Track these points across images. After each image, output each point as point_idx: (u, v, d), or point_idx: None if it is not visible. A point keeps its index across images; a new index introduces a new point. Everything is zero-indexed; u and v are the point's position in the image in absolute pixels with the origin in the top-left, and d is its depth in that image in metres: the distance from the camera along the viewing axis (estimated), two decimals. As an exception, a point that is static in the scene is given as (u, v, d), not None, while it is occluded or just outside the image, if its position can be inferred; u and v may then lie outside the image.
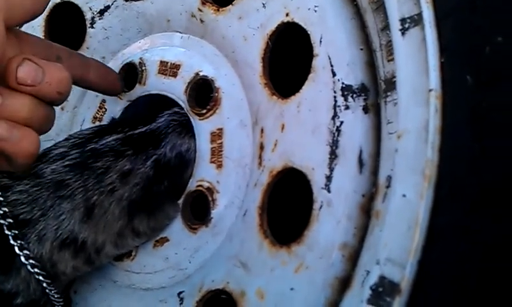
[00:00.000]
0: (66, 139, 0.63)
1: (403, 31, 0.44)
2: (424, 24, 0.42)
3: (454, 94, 0.40)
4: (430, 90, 0.41)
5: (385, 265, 0.41)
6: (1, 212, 0.57)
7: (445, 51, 0.41)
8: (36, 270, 0.58)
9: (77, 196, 0.58)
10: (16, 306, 0.59)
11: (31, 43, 0.57)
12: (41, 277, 0.59)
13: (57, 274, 0.60)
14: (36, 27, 0.79)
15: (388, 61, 0.48)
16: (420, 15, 0.43)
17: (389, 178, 0.46)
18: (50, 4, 0.79)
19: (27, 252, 0.57)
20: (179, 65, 0.67)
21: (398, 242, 0.41)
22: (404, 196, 0.42)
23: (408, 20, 0.44)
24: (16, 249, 0.57)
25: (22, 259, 0.58)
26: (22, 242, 0.57)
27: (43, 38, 0.78)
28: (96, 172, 0.59)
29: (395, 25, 0.45)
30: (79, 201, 0.58)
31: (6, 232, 0.57)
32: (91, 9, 0.75)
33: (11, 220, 0.57)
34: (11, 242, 0.57)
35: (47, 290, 0.60)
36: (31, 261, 0.58)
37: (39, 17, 0.77)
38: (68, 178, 0.59)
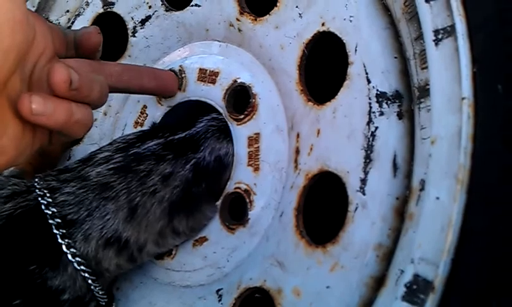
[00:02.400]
0: (110, 144, 0.66)
1: (436, 41, 0.46)
2: (457, 36, 0.44)
3: (486, 102, 0.42)
4: (463, 98, 0.43)
5: (419, 264, 0.43)
6: (50, 213, 0.60)
7: (477, 61, 0.43)
8: (82, 267, 0.61)
9: (121, 197, 0.61)
10: (63, 301, 0.61)
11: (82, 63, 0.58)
12: (86, 274, 0.62)
13: (102, 271, 0.63)
14: (80, 36, 0.83)
15: (422, 69, 0.50)
16: (453, 26, 0.45)
17: (422, 182, 0.47)
18: (94, 14, 0.83)
19: (74, 251, 0.60)
20: (218, 72, 0.69)
21: (432, 242, 0.43)
22: (437, 198, 0.44)
23: (441, 31, 0.46)
24: (64, 247, 0.60)
25: (69, 257, 0.61)
26: (69, 241, 0.60)
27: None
28: (139, 175, 0.62)
29: (429, 36, 0.47)
30: (123, 202, 0.61)
31: (54, 231, 0.60)
32: (133, 19, 0.78)
33: (59, 220, 0.60)
34: (59, 240, 0.60)
35: (92, 287, 0.63)
36: (77, 258, 0.61)
37: (83, 25, 0.82)
38: (112, 180, 0.62)
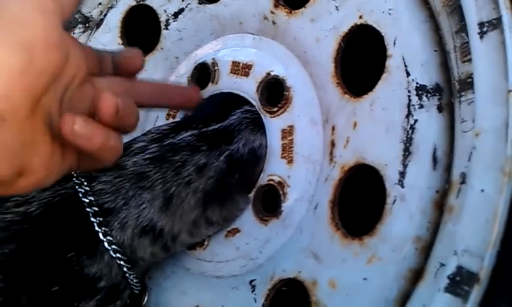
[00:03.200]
0: (144, 134, 0.67)
1: (481, 34, 0.46)
2: (504, 28, 0.44)
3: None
4: (510, 91, 0.43)
5: (463, 256, 0.43)
6: (87, 201, 0.61)
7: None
8: (118, 255, 0.62)
9: (157, 186, 0.62)
10: (99, 289, 0.62)
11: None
12: (122, 262, 0.62)
13: (137, 260, 0.64)
14: (112, 29, 0.84)
15: (463, 62, 0.50)
16: (499, 19, 0.45)
17: (463, 175, 0.48)
18: (126, 7, 0.83)
19: (110, 239, 0.61)
20: (251, 65, 0.70)
21: (476, 234, 0.43)
22: (482, 191, 0.44)
23: (487, 24, 0.46)
24: (101, 235, 0.61)
25: (106, 245, 0.61)
26: (106, 229, 0.61)
27: (120, 41, 0.82)
28: (174, 165, 0.63)
29: (474, 29, 0.47)
30: (158, 192, 0.62)
31: (92, 219, 0.61)
32: (165, 11, 0.78)
33: (96, 209, 0.61)
34: (96, 228, 0.61)
35: (127, 275, 0.64)
36: (113, 246, 0.62)
37: (115, 18, 0.83)
38: (148, 170, 0.63)
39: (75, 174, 0.63)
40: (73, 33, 0.87)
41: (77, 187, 0.62)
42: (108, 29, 0.84)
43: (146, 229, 0.62)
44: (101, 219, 0.61)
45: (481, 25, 0.46)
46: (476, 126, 0.45)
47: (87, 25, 0.87)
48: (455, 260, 0.44)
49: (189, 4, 0.77)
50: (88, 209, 0.61)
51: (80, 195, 0.61)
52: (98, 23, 0.86)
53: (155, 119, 0.78)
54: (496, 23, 0.45)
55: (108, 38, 0.84)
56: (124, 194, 0.62)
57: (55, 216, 0.61)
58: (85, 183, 0.62)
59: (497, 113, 0.44)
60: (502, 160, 0.42)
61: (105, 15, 0.85)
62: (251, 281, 0.64)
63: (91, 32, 0.86)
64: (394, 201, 0.53)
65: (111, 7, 0.85)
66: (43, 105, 0.45)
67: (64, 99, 0.48)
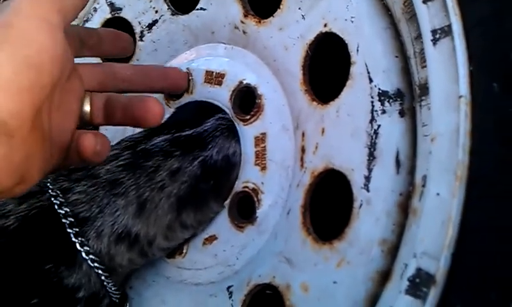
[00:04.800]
0: (118, 143, 0.68)
1: (434, 41, 0.47)
2: (453, 35, 0.45)
3: (482, 100, 0.43)
4: (460, 97, 0.44)
5: (421, 258, 0.45)
6: (63, 212, 0.62)
7: (473, 60, 0.44)
8: (95, 264, 0.63)
9: (130, 193, 0.63)
10: (78, 299, 0.63)
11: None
12: (100, 271, 0.63)
13: (115, 267, 0.65)
14: (89, 41, 0.85)
15: (422, 67, 0.51)
16: (449, 26, 0.46)
17: (425, 178, 0.49)
18: (102, 20, 0.84)
19: (87, 248, 0.62)
20: (224, 74, 0.71)
21: (433, 236, 0.44)
22: (438, 194, 0.45)
23: (439, 31, 0.47)
24: (78, 245, 0.62)
25: (83, 255, 0.62)
26: (83, 239, 0.62)
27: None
28: (147, 170, 0.64)
29: (427, 36, 0.48)
30: (132, 198, 0.63)
31: (68, 230, 0.62)
32: (140, 23, 0.80)
33: (72, 219, 0.62)
34: (73, 239, 0.62)
35: (105, 283, 0.64)
36: (91, 256, 0.62)
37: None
38: (121, 176, 0.63)
39: (50, 187, 0.63)
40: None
41: (52, 198, 0.63)
42: (85, 42, 0.85)
43: (122, 236, 0.63)
44: (77, 230, 0.62)
45: (434, 32, 0.47)
46: (432, 131, 0.46)
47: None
48: (414, 262, 0.45)
49: (162, 15, 0.78)
50: (63, 220, 0.62)
51: (56, 206, 0.62)
52: (75, 37, 0.87)
53: (133, 129, 0.78)
54: (447, 30, 0.46)
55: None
56: (99, 202, 0.63)
57: (32, 229, 0.62)
58: (60, 195, 0.63)
59: (451, 118, 0.45)
60: (455, 164, 0.43)
61: (81, 28, 0.86)
62: (228, 287, 0.65)
63: (68, 46, 0.87)
64: (361, 205, 0.54)
65: (86, 21, 0.86)
66: (42, 114, 0.47)
67: (54, 98, 0.49)
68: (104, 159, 0.57)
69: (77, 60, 0.55)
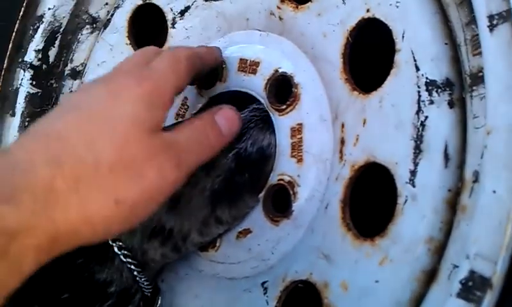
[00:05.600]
0: None
1: (491, 27, 0.44)
2: (514, 21, 0.42)
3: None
4: (522, 87, 0.41)
5: (475, 259, 0.42)
6: None
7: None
8: (128, 259, 0.61)
9: None
10: (110, 294, 0.62)
11: None
12: (132, 266, 0.62)
13: (147, 262, 0.64)
14: (119, 29, 0.83)
15: (474, 55, 0.48)
16: (508, 11, 0.43)
17: (476, 173, 0.46)
18: (133, 6, 0.82)
19: (120, 243, 0.61)
20: (258, 62, 0.68)
21: (488, 237, 0.41)
22: (494, 192, 0.42)
23: (496, 17, 0.44)
24: (110, 240, 0.61)
25: (115, 249, 0.61)
26: None
27: (127, 41, 0.82)
28: None
29: (483, 22, 0.45)
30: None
31: (100, 225, 0.60)
32: (172, 10, 0.77)
33: None
34: None
35: (137, 278, 0.63)
36: (123, 251, 0.61)
37: (122, 18, 0.83)
38: None
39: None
40: (81, 34, 0.86)
41: None
42: (115, 29, 0.83)
43: (156, 231, 0.62)
44: None
45: (491, 17, 0.44)
46: (488, 124, 0.43)
47: (94, 25, 0.86)
48: (467, 264, 0.42)
49: (195, 1, 0.76)
50: None
51: None
52: (106, 24, 0.85)
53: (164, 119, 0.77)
54: (506, 16, 0.43)
55: (116, 38, 0.83)
56: None
57: None
58: None
59: (509, 110, 0.42)
60: (515, 159, 0.40)
61: (112, 15, 0.85)
62: (263, 283, 0.63)
63: (98, 33, 0.86)
64: (405, 200, 0.51)
65: (117, 7, 0.84)
66: None
67: None
68: None
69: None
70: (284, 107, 0.65)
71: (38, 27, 0.85)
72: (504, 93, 0.43)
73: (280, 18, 0.67)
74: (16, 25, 0.85)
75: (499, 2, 0.44)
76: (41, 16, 0.86)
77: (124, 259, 0.62)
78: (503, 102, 0.43)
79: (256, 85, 0.68)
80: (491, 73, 0.44)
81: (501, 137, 0.42)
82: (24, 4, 0.85)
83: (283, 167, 0.64)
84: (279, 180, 0.64)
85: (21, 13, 0.85)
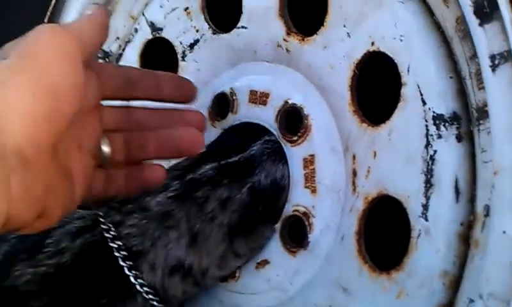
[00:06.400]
0: (166, 171, 0.67)
1: (493, 67, 0.44)
2: (515, 62, 0.42)
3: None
4: (525, 129, 0.41)
5: (488, 300, 0.42)
6: (116, 246, 0.62)
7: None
8: (150, 296, 0.62)
9: (182, 225, 0.62)
10: (134, 329, 0.63)
11: (108, 76, 0.59)
12: (155, 303, 0.63)
13: (169, 298, 0.65)
14: (131, 63, 0.85)
15: (479, 89, 0.48)
16: (510, 51, 0.43)
17: (487, 207, 0.46)
18: (143, 40, 0.84)
19: (142, 281, 0.62)
20: (268, 94, 0.69)
21: (501, 277, 0.42)
22: (504, 232, 0.42)
23: (498, 57, 0.44)
24: (132, 278, 0.62)
25: (137, 287, 0.62)
26: (137, 272, 0.62)
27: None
28: (197, 201, 0.63)
29: (485, 62, 0.45)
30: (184, 230, 0.62)
31: (121, 263, 0.62)
32: (181, 43, 0.78)
33: (125, 253, 0.62)
34: (126, 272, 0.62)
35: None
36: (145, 288, 0.62)
37: (133, 52, 0.84)
38: (172, 208, 0.63)
39: (102, 220, 0.64)
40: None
41: (105, 232, 0.63)
42: (127, 63, 0.85)
43: (176, 268, 0.63)
44: (131, 263, 0.62)
45: (492, 57, 0.44)
46: (494, 164, 0.43)
47: (107, 59, 0.88)
48: (481, 304, 0.43)
49: (203, 34, 0.77)
50: (116, 254, 0.62)
51: (109, 240, 0.62)
52: (118, 58, 0.87)
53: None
54: (507, 56, 0.43)
55: (128, 73, 0.84)
56: (151, 235, 0.62)
57: (86, 264, 0.62)
58: (112, 229, 0.63)
59: (515, 151, 0.42)
60: (523, 202, 0.41)
61: (123, 49, 0.86)
62: (282, 314, 0.64)
63: (111, 68, 0.87)
64: (419, 234, 0.52)
65: (128, 42, 0.85)
66: (61, 148, 0.46)
67: (73, 134, 0.49)
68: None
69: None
70: (295, 138, 0.66)
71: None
72: (509, 133, 0.43)
73: (287, 50, 0.68)
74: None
75: (500, 42, 0.44)
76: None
77: (146, 296, 0.63)
78: (508, 142, 0.43)
79: (267, 116, 0.69)
80: (496, 113, 0.44)
81: (508, 178, 0.42)
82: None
83: (298, 198, 0.65)
84: (294, 211, 0.65)
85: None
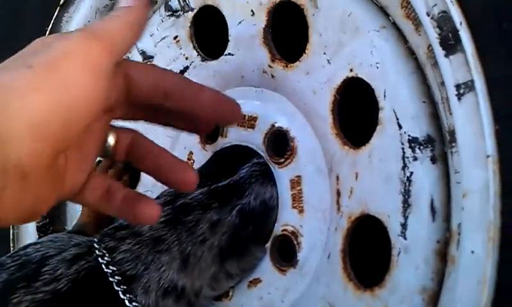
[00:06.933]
0: (157, 197, 0.69)
1: (459, 96, 0.47)
2: (477, 92, 0.45)
3: (510, 159, 0.42)
4: (488, 156, 0.44)
5: (461, 317, 0.44)
6: (110, 271, 0.64)
7: (498, 119, 0.44)
8: None
9: (173, 248, 0.65)
10: (130, 353, 0.65)
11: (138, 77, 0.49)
12: None
13: None
14: (124, 90, 0.87)
15: (450, 113, 0.50)
16: (472, 81, 0.46)
17: (460, 225, 0.48)
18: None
19: (136, 304, 0.64)
20: (256, 117, 0.72)
21: (470, 295, 0.44)
22: (472, 252, 0.44)
23: (463, 86, 0.46)
24: (127, 302, 0.64)
25: (132, 310, 0.64)
26: (131, 296, 0.64)
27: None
28: (187, 225, 0.66)
29: (451, 91, 0.47)
30: (175, 253, 0.65)
31: (116, 288, 0.64)
32: (172, 70, 0.81)
33: (119, 278, 0.64)
34: (121, 296, 0.64)
35: None
36: None
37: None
38: (163, 233, 0.65)
39: (97, 247, 0.66)
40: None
41: (99, 258, 0.65)
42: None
43: (169, 290, 0.65)
44: (125, 287, 0.64)
45: (458, 87, 0.46)
46: (463, 187, 0.46)
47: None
48: (454, 321, 0.45)
49: (192, 61, 0.79)
50: (111, 279, 0.64)
51: (103, 266, 0.65)
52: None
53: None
54: (471, 86, 0.46)
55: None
56: (144, 259, 0.65)
57: (82, 289, 0.64)
58: (107, 254, 0.65)
59: (480, 175, 0.44)
60: (487, 224, 0.43)
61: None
62: (275, 331, 0.66)
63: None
64: (399, 252, 0.54)
65: (121, 70, 0.88)
66: (60, 155, 0.43)
67: (76, 139, 0.44)
68: None
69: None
70: (282, 160, 0.68)
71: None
72: (474, 158, 0.45)
73: (272, 76, 0.70)
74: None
75: (464, 72, 0.47)
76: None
77: (141, 318, 0.65)
78: (473, 166, 0.45)
79: (255, 139, 0.71)
80: (462, 139, 0.47)
81: (475, 200, 0.45)
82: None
83: (286, 218, 0.67)
84: (283, 230, 0.68)
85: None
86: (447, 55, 0.48)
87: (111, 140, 0.51)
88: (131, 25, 0.44)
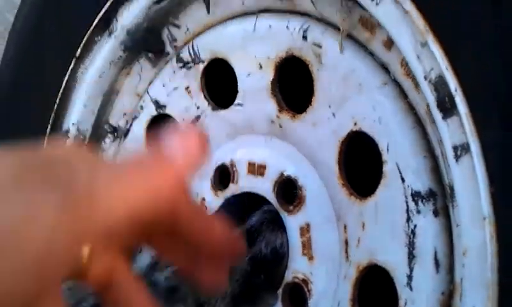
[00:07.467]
0: None
1: (456, 158, 0.49)
2: (472, 155, 0.47)
3: (507, 222, 0.44)
4: (484, 218, 0.45)
5: None
6: None
7: (493, 181, 0.45)
8: None
9: (188, 298, 0.67)
10: None
11: None
12: None
13: None
14: (138, 138, 0.90)
15: (450, 169, 0.52)
16: (468, 144, 0.47)
17: (462, 281, 0.50)
18: (148, 117, 0.89)
19: None
20: (265, 165, 0.74)
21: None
22: (474, 308, 0.46)
23: (460, 148, 0.48)
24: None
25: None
26: None
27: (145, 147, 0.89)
28: None
29: (450, 152, 0.49)
30: (190, 303, 0.67)
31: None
32: (184, 120, 0.84)
33: None
34: None
35: None
36: None
37: (140, 128, 0.90)
38: (178, 283, 0.67)
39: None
40: (104, 143, 0.94)
41: None
42: (135, 139, 0.90)
43: None
44: None
45: (455, 148, 0.48)
46: (463, 243, 0.47)
47: (115, 134, 0.94)
48: None
49: (204, 111, 0.82)
50: None
51: None
52: (126, 133, 0.92)
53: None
54: (467, 148, 0.47)
55: (135, 147, 0.90)
56: None
57: None
58: None
59: (478, 235, 0.46)
60: (486, 282, 0.44)
61: (130, 125, 0.91)
62: None
63: (119, 141, 0.93)
64: (405, 303, 0.55)
65: (135, 118, 0.91)
66: None
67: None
68: None
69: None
70: (291, 207, 0.70)
71: (65, 142, 0.93)
72: (472, 218, 0.47)
73: (280, 126, 0.73)
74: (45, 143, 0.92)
75: (460, 135, 0.48)
76: (67, 132, 0.93)
77: None
78: (472, 226, 0.47)
79: (265, 187, 0.73)
80: (460, 199, 0.48)
81: (474, 258, 0.46)
82: (50, 122, 0.93)
83: (297, 265, 0.69)
84: (293, 277, 0.69)
85: (48, 129, 0.93)
86: (444, 118, 0.50)
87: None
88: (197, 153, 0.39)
